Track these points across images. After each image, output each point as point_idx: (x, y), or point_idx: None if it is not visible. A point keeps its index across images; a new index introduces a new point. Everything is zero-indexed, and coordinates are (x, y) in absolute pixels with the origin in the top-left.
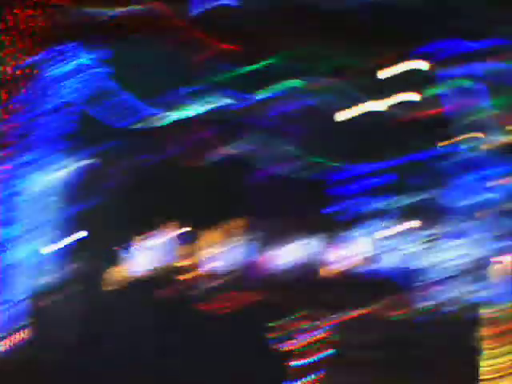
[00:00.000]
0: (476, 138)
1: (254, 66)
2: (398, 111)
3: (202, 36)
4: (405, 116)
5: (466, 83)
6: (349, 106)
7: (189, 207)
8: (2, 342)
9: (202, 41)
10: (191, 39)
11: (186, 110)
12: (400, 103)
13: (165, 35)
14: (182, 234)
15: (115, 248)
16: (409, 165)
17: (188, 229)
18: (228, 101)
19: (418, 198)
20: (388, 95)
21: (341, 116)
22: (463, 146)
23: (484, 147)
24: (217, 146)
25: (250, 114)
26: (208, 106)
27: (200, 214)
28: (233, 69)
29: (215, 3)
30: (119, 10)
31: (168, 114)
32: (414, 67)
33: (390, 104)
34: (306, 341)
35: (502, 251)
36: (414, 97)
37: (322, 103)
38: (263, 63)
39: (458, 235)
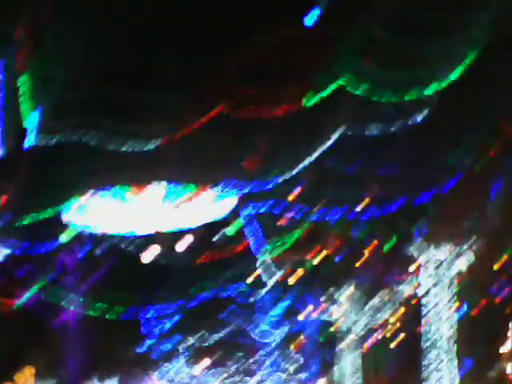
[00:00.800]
0: (269, 274)
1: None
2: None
3: None
4: (203, 255)
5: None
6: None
7: None
8: None
9: None
10: None
11: None
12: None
13: None
14: None
15: None
16: (215, 302)
17: None
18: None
19: (221, 336)
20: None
21: (146, 257)
22: (268, 283)
23: (291, 281)
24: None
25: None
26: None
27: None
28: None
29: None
30: None
31: None
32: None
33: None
34: None
35: (314, 378)
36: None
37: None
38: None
39: (272, 368)
